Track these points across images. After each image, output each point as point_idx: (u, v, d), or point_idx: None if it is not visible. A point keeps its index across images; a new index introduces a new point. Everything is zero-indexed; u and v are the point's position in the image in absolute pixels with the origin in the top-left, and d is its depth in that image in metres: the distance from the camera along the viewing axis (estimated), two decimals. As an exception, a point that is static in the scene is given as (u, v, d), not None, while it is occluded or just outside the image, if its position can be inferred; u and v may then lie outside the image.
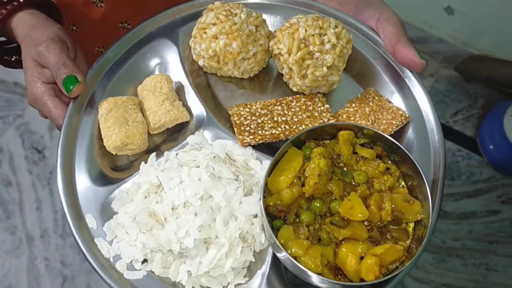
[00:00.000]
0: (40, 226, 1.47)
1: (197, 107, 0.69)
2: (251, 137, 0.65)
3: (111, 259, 0.60)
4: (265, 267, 0.60)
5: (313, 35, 0.64)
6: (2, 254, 1.43)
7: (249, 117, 0.67)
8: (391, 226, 0.57)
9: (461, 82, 1.83)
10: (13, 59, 0.80)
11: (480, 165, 1.72)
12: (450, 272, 1.54)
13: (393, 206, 0.56)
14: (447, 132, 1.75)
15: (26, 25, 0.70)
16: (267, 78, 0.73)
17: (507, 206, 1.66)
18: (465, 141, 1.77)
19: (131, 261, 0.60)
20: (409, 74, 0.68)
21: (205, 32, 0.67)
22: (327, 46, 0.64)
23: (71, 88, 0.65)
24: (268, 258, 0.60)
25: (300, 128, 0.66)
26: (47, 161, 1.56)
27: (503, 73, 1.73)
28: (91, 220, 0.62)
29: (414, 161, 0.57)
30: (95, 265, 0.59)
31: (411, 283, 1.49)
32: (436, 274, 1.53)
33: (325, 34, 0.64)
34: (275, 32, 0.68)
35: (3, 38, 0.79)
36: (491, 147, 1.70)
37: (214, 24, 0.67)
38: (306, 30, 0.64)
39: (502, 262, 1.55)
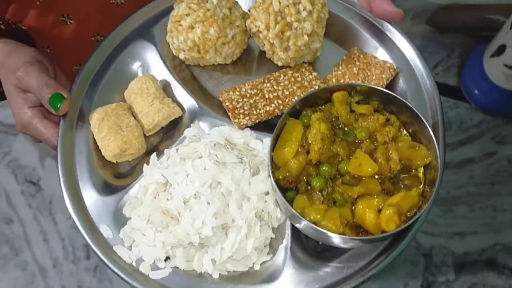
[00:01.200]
0: (51, 256, 1.45)
1: (187, 101, 0.69)
2: (246, 118, 0.65)
3: (134, 264, 0.60)
4: (286, 241, 0.60)
5: (287, 6, 0.64)
6: (18, 291, 1.42)
7: (240, 100, 0.67)
8: (402, 175, 0.57)
9: (435, 34, 1.84)
10: None
11: (469, 111, 1.74)
12: (459, 220, 1.55)
13: (400, 155, 0.57)
14: (431, 85, 1.76)
15: (0, 55, 0.69)
16: (250, 59, 0.72)
17: (502, 146, 1.68)
18: (449, 91, 1.78)
19: (154, 261, 0.60)
20: (389, 26, 0.69)
21: (180, 25, 0.67)
22: (304, 14, 0.64)
23: (59, 105, 0.65)
24: (288, 232, 0.61)
25: (293, 100, 0.66)
26: (44, 192, 1.54)
27: (475, 17, 1.75)
28: (106, 230, 0.62)
29: (412, 107, 0.58)
30: (119, 273, 0.59)
31: (424, 238, 1.51)
32: (446, 224, 1.54)
33: (299, 3, 0.64)
34: (249, 11, 0.68)
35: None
36: (476, 92, 1.72)
37: (187, 15, 0.66)
38: (280, 3, 0.64)
39: (508, 200, 1.57)
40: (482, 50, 1.69)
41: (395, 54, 0.68)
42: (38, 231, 1.49)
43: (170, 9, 0.70)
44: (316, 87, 0.66)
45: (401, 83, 0.67)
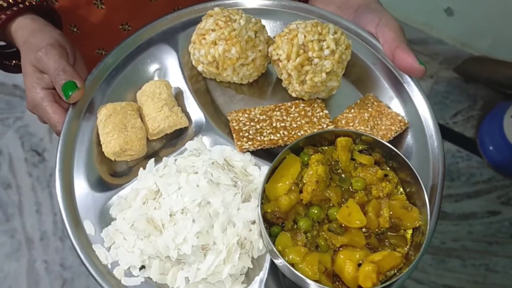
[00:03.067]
0: (40, 228, 1.47)
1: (196, 113, 0.69)
2: (249, 143, 0.65)
3: (109, 266, 0.60)
4: (263, 274, 0.60)
5: (312, 41, 0.64)
6: (1, 257, 1.43)
7: (247, 123, 0.67)
8: (389, 233, 0.57)
9: (461, 83, 1.83)
10: (12, 64, 0.80)
11: (480, 166, 1.72)
12: (449, 273, 1.54)
13: (391, 213, 0.56)
14: (447, 133, 1.75)
15: (26, 31, 0.70)
16: (266, 84, 0.73)
17: (507, 207, 1.66)
18: (465, 142, 1.77)
19: (129, 267, 0.60)
20: (408, 79, 0.68)
21: (204, 38, 0.67)
22: (326, 52, 0.64)
23: (70, 94, 0.65)
24: (266, 265, 0.60)
25: (299, 134, 0.66)
26: (46, 163, 1.56)
27: (503, 74, 1.74)
28: (89, 226, 0.62)
29: (412, 167, 0.57)
30: (93, 272, 0.59)
31: (411, 285, 1.49)
32: (436, 275, 1.53)
33: (324, 40, 0.64)
34: (274, 38, 0.68)
35: (2, 43, 0.79)
36: (491, 148, 1.70)
37: (213, 30, 0.67)
38: (305, 36, 0.64)
39: (502, 263, 1.55)
40: (504, 108, 1.68)
41: (409, 108, 0.68)
42: (33, 202, 1.51)
43: (198, 20, 0.70)
44: (325, 126, 0.66)
45: (409, 139, 0.66)
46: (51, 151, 1.57)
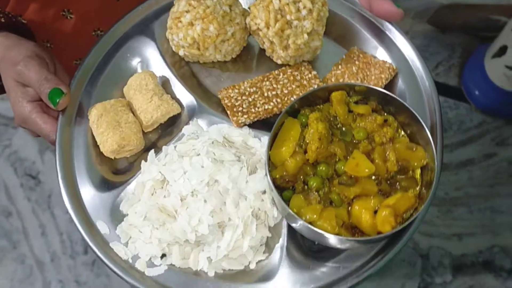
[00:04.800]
0: (48, 250, 1.46)
1: (186, 98, 0.69)
2: (245, 116, 0.65)
3: (130, 260, 0.60)
4: (282, 240, 0.60)
5: (288, 4, 0.63)
6: (15, 284, 1.42)
7: (239, 98, 0.67)
8: (398, 176, 0.57)
9: (437, 34, 1.84)
10: None
11: (469, 112, 1.74)
12: (457, 221, 1.55)
13: (397, 156, 0.57)
14: (431, 85, 1.76)
15: (1, 48, 0.69)
16: (249, 57, 0.72)
17: (502, 147, 1.67)
18: (450, 92, 1.77)
19: (150, 258, 0.60)
20: (389, 26, 0.68)
21: (180, 21, 0.67)
22: (304, 12, 0.64)
23: (58, 100, 0.64)
24: (284, 231, 0.61)
25: (292, 99, 0.66)
26: (43, 185, 1.55)
27: (477, 17, 1.74)
28: (102, 226, 0.62)
29: (410, 108, 0.58)
30: (115, 269, 0.59)
31: (421, 239, 1.51)
32: (444, 225, 1.54)
33: (300, 1, 0.64)
34: (249, 8, 0.68)
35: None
36: (476, 92, 1.72)
37: (187, 11, 0.66)
38: (280, 1, 0.64)
39: (506, 202, 1.57)
40: (483, 51, 1.69)
41: (395, 54, 0.68)
42: (37, 225, 1.50)
43: (170, 6, 0.70)
44: (315, 86, 0.66)
45: (400, 84, 0.66)
46: (45, 172, 1.55)
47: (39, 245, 1.47)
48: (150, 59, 0.72)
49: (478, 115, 1.73)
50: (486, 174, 1.63)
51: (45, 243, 1.47)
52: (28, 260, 1.45)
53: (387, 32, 0.69)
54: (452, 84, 1.79)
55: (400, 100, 0.58)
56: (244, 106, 0.66)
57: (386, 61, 0.67)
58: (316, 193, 0.56)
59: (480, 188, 1.61)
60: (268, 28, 0.65)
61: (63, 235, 1.48)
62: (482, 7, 1.72)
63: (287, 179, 0.57)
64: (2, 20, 0.72)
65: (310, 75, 0.68)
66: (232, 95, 0.67)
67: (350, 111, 0.60)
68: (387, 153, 0.57)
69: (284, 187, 0.58)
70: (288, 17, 0.64)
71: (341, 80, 0.67)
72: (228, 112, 0.66)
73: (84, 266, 1.43)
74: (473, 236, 1.51)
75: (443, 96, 1.77)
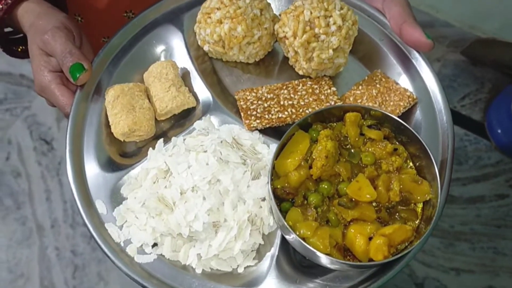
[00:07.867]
0: (50, 216, 1.48)
1: (203, 93, 0.69)
2: (257, 121, 0.65)
3: (122, 244, 0.61)
4: (274, 250, 0.61)
5: (318, 17, 0.63)
6: (13, 244, 1.45)
7: (255, 102, 0.67)
8: (399, 207, 0.57)
9: (468, 66, 1.81)
10: (19, 49, 0.81)
11: (488, 150, 1.71)
12: (458, 256, 1.54)
13: (401, 186, 0.56)
14: (455, 116, 1.73)
15: (32, 15, 0.70)
16: (272, 62, 0.72)
17: (516, 190, 1.65)
18: (472, 126, 1.75)
19: (142, 245, 0.60)
20: (416, 55, 0.68)
21: (210, 17, 0.67)
22: (333, 28, 0.64)
23: (78, 76, 0.65)
24: (277, 241, 0.61)
25: (307, 111, 0.66)
26: (55, 152, 1.57)
27: (510, 56, 1.72)
28: (101, 206, 0.63)
29: (422, 141, 0.57)
30: (106, 250, 0.59)
31: (419, 268, 1.49)
32: (444, 258, 1.53)
33: (331, 16, 0.64)
34: (280, 15, 0.68)
35: (9, 29, 0.79)
36: (499, 131, 1.69)
37: (218, 9, 0.66)
38: (311, 13, 0.64)
39: (510, 245, 1.55)
40: (512, 91, 1.66)
41: (418, 83, 0.67)
42: (43, 190, 1.52)
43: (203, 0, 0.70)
44: (332, 103, 0.66)
45: (418, 114, 0.66)
46: (59, 140, 1.58)
47: (42, 210, 1.49)
48: (174, 49, 0.72)
49: (496, 154, 1.70)
50: (495, 214, 1.61)
51: (48, 209, 1.50)
52: (29, 222, 1.48)
53: (413, 61, 0.68)
54: (475, 118, 1.76)
55: (414, 131, 0.58)
56: (258, 110, 0.66)
57: (408, 90, 0.66)
58: (314, 210, 0.56)
59: (486, 227, 1.59)
60: (295, 37, 0.65)
61: (67, 203, 1.50)
62: (518, 46, 1.69)
63: (287, 191, 0.57)
64: None
65: (329, 91, 0.67)
66: (248, 97, 0.67)
67: (362, 134, 0.60)
68: (392, 182, 0.56)
69: (284, 198, 0.58)
70: (316, 30, 0.64)
71: (359, 101, 0.66)
72: (242, 114, 0.66)
73: (82, 238, 1.46)
74: (472, 274, 1.49)
75: (465, 129, 1.74)
